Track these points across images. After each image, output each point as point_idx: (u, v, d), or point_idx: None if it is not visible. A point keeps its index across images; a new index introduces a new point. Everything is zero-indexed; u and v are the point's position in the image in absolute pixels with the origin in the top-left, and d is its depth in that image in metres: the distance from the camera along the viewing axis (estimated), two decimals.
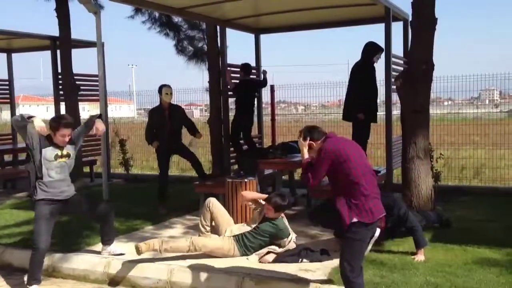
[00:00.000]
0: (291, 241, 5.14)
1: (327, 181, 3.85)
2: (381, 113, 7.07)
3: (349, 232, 3.61)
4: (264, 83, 8.26)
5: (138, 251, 4.75)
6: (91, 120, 4.85)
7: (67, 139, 4.60)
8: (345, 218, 3.58)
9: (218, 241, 5.07)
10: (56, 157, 4.58)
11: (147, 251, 4.79)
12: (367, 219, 3.57)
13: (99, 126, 4.82)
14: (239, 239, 5.03)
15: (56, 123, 4.55)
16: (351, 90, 6.93)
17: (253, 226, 5.14)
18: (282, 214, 5.19)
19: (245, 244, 4.99)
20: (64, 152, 4.64)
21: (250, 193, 5.56)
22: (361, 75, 6.80)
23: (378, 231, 3.85)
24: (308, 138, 3.79)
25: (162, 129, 7.22)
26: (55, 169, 4.60)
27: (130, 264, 4.89)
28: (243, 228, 5.21)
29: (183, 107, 7.98)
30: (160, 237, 5.76)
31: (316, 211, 4.94)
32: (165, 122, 7.19)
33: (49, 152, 4.57)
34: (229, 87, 7.64)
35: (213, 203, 5.45)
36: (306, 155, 3.80)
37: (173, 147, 7.33)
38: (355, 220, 3.56)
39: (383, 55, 6.56)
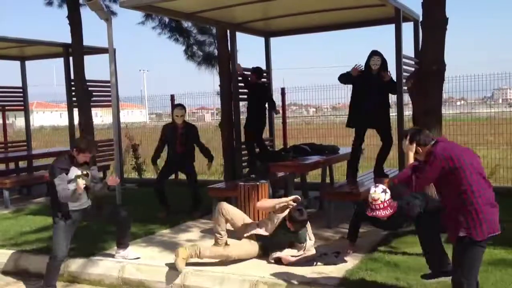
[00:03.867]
0: (311, 247, 5.06)
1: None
2: (392, 114, 7.04)
3: (459, 247, 3.39)
4: (269, 97, 8.23)
5: (179, 268, 4.65)
6: (106, 183, 4.92)
7: (88, 159, 4.78)
8: (453, 231, 3.37)
9: (247, 248, 5.04)
10: (77, 176, 4.67)
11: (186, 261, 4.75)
12: (475, 236, 3.29)
13: (111, 181, 4.90)
14: (264, 243, 5.05)
15: (85, 145, 4.70)
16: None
17: (273, 228, 5.07)
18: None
19: (269, 247, 5.02)
20: (84, 172, 4.74)
21: (267, 202, 5.40)
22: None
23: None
24: (415, 142, 3.48)
25: (173, 147, 7.24)
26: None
27: (144, 268, 4.94)
28: (260, 231, 5.10)
29: (194, 111, 7.99)
30: (177, 240, 5.83)
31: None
32: (176, 141, 7.18)
33: (70, 174, 4.68)
34: (240, 78, 7.67)
35: (225, 207, 5.27)
36: (411, 160, 3.49)
37: (180, 166, 7.38)
38: (462, 234, 3.31)
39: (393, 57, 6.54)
